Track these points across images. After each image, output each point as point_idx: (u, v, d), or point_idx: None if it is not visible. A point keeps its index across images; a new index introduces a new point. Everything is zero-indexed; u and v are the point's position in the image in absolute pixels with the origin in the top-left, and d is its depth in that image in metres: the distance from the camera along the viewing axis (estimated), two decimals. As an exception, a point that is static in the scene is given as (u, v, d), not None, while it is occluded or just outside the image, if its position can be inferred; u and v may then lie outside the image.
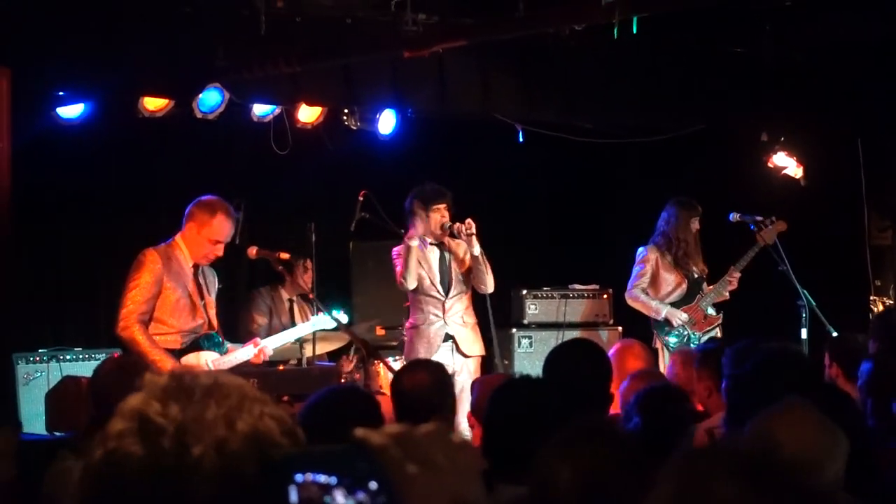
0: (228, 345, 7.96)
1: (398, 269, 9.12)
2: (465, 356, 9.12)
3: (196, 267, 7.76)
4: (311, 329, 8.63)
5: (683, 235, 10.05)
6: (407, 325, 9.35)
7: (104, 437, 1.74)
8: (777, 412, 3.67)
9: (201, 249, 7.68)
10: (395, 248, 9.21)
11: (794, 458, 2.96)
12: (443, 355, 8.81)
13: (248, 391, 1.81)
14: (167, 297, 7.57)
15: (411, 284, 9.10)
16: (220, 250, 7.73)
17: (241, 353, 7.89)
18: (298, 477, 1.67)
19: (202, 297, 7.77)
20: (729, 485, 1.90)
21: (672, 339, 9.92)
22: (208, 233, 7.63)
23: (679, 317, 9.96)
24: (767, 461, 1.96)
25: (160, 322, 7.59)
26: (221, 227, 7.66)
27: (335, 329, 8.70)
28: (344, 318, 8.87)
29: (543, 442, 3.30)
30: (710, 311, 10.04)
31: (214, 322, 7.86)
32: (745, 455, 1.98)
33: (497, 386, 4.54)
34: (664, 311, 9.96)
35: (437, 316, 9.16)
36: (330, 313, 8.48)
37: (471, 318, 9.29)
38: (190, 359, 7.62)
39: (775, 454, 2.03)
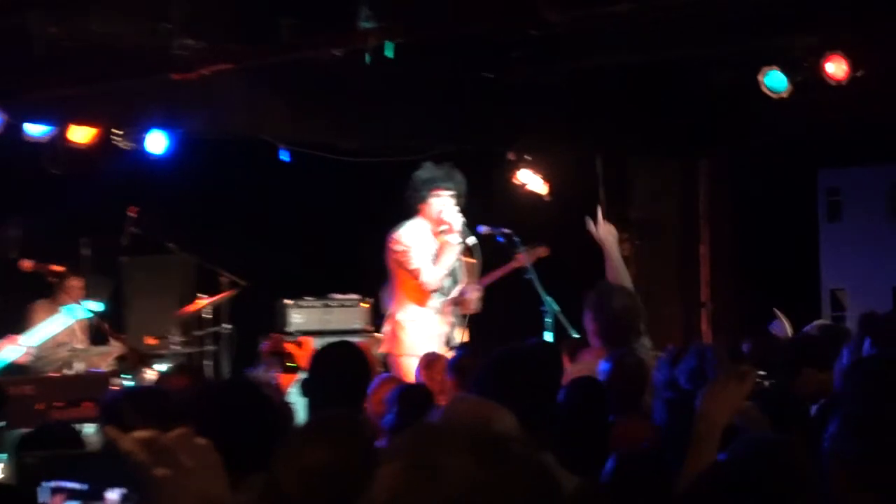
0: None
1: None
2: None
3: None
4: (72, 317, 8.92)
5: None
6: None
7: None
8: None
9: None
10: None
11: (503, 430, 3.14)
12: None
13: None
14: None
15: None
16: None
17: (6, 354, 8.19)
18: (49, 482, 1.76)
19: None
20: (456, 456, 1.97)
21: None
22: None
23: None
24: (485, 433, 2.05)
25: None
26: None
27: (104, 340, 9.03)
28: (97, 307, 9.23)
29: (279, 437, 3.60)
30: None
31: None
32: (465, 429, 2.05)
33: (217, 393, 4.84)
34: None
35: None
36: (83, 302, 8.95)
37: None
38: None
39: (489, 428, 2.15)
